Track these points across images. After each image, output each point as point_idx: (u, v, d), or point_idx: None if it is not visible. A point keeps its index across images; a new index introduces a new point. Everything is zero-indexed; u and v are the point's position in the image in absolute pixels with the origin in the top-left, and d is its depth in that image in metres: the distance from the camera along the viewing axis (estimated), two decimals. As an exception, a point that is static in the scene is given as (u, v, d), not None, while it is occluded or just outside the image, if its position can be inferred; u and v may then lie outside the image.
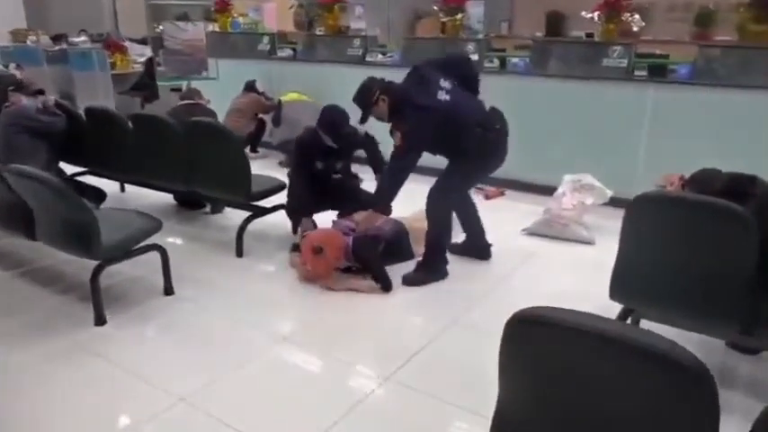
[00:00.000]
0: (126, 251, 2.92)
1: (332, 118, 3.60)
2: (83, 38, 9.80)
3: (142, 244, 2.99)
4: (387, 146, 3.44)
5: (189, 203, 4.55)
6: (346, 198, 3.73)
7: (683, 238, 1.99)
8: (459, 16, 5.43)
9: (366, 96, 3.24)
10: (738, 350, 2.57)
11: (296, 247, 3.60)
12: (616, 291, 2.25)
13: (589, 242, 4.03)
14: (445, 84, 3.19)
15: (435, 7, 5.75)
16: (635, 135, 4.63)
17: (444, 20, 5.50)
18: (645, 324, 2.43)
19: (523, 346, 1.14)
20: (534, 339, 1.12)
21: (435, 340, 2.77)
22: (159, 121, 3.81)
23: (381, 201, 3.30)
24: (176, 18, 11.20)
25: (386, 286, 3.22)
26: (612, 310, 2.93)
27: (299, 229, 3.67)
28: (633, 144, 4.65)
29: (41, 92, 4.17)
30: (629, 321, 2.35)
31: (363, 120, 3.34)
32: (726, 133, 4.24)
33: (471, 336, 2.85)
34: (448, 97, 3.16)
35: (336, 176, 3.77)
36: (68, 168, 4.43)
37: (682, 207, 1.99)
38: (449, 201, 3.32)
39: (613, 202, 4.23)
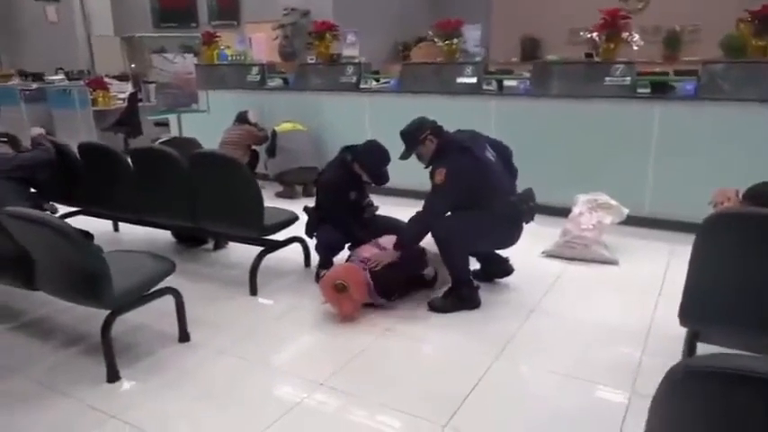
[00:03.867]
0: (139, 297, 2.68)
1: (377, 157, 3.56)
2: (60, 76, 9.55)
3: (155, 288, 2.76)
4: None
5: (188, 239, 4.32)
6: (380, 226, 3.61)
7: None
8: (456, 41, 5.38)
9: (416, 134, 3.27)
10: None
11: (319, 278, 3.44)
12: (689, 315, 2.12)
13: (612, 262, 3.92)
14: (491, 151, 3.28)
15: (430, 32, 5.70)
16: (643, 152, 4.58)
17: (440, 44, 5.44)
18: (704, 348, 2.31)
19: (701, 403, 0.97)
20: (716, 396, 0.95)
21: (485, 379, 2.58)
22: (162, 155, 3.60)
23: (409, 237, 3.23)
24: (153, 53, 11.13)
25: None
26: (662, 331, 2.85)
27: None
28: (641, 161, 4.60)
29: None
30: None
31: (406, 156, 3.32)
32: (733, 147, 4.22)
33: (521, 372, 2.69)
34: (492, 159, 3.24)
35: (367, 203, 3.71)
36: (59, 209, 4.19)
37: (766, 224, 1.87)
38: (459, 244, 3.17)
39: (627, 221, 4.16)
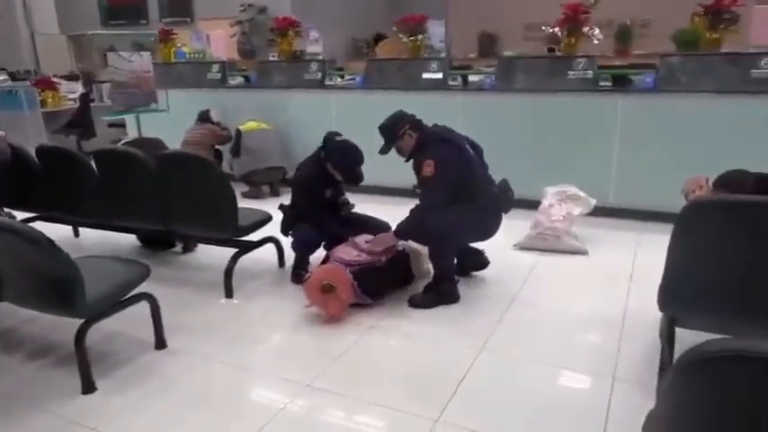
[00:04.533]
0: (113, 305, 2.58)
1: (349, 158, 3.49)
2: (3, 77, 9.09)
3: (130, 294, 2.66)
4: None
5: (155, 243, 4.18)
6: (356, 224, 3.57)
7: (746, 242, 1.95)
8: (420, 37, 5.39)
9: (395, 129, 3.27)
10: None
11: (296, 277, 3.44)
12: (667, 300, 2.19)
13: (583, 252, 4.01)
14: (469, 146, 3.31)
15: (394, 28, 5.69)
16: (607, 144, 4.71)
17: (405, 40, 5.44)
18: (682, 333, 2.39)
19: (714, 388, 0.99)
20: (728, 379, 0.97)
21: (470, 373, 2.59)
22: (128, 157, 3.46)
23: (405, 233, 3.23)
24: (102, 52, 10.72)
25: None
26: (636, 317, 2.94)
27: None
28: (606, 153, 4.72)
29: None
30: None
31: (385, 150, 3.31)
32: (692, 137, 4.39)
33: (505, 364, 2.71)
34: (472, 152, 3.28)
35: (343, 201, 3.67)
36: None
37: (742, 211, 1.95)
38: (453, 239, 3.21)
39: (594, 211, 4.27)
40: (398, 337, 2.98)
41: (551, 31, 5.03)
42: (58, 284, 2.38)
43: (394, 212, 3.40)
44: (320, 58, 5.91)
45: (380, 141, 3.35)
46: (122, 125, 6.73)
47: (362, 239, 3.31)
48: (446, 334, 2.98)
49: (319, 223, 3.48)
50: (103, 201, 3.57)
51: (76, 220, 4.08)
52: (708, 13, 4.42)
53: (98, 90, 8.64)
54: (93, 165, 3.67)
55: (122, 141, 4.02)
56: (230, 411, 2.38)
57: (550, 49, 5.18)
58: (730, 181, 2.35)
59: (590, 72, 4.75)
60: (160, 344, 2.84)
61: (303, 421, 2.32)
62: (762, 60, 4.18)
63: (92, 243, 4.35)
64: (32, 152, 3.99)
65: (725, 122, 4.29)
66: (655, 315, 2.54)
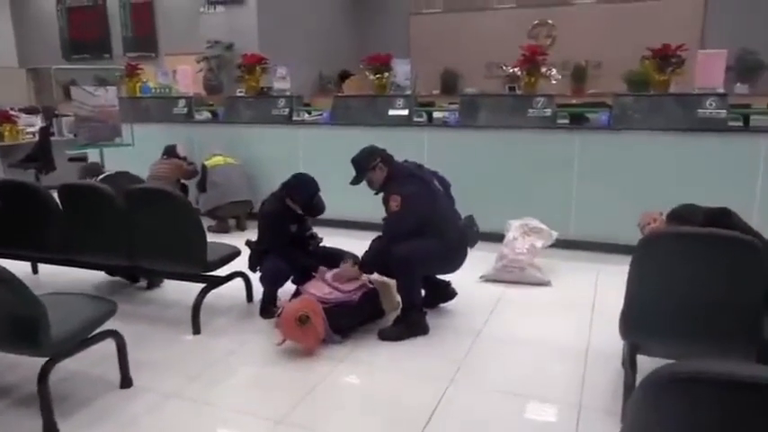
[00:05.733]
0: (79, 342, 2.52)
1: (306, 189, 3.54)
2: (-43, 109, 8.86)
3: (95, 332, 2.60)
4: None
5: (125, 275, 4.10)
6: (325, 257, 3.59)
7: (698, 272, 2.07)
8: (386, 74, 5.55)
9: (366, 161, 3.36)
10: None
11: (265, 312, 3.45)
12: (628, 328, 2.28)
13: (545, 284, 4.12)
14: (436, 182, 3.44)
15: (361, 66, 5.85)
16: (566, 178, 4.89)
17: (371, 77, 5.59)
18: (644, 360, 2.48)
19: (673, 408, 1.06)
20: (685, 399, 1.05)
21: (441, 405, 2.62)
22: (95, 192, 3.41)
23: (370, 264, 3.32)
24: (63, 86, 10.59)
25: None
26: (600, 347, 3.03)
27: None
28: (565, 187, 4.90)
29: None
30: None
31: (356, 182, 3.38)
32: (645, 172, 4.62)
33: (473, 395, 2.74)
34: (441, 189, 3.40)
35: (310, 235, 3.69)
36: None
37: (694, 241, 2.07)
38: (419, 269, 3.27)
39: (555, 243, 4.41)
40: (369, 369, 2.99)
41: (512, 71, 5.26)
42: (21, 322, 2.32)
43: (363, 245, 3.45)
44: (288, 94, 6.00)
45: (348, 176, 3.42)
46: (84, 159, 6.61)
47: (330, 275, 3.33)
48: (416, 366, 3.00)
49: (287, 257, 3.49)
50: (67, 236, 3.51)
51: (37, 255, 3.97)
52: (656, 56, 4.72)
53: (58, 124, 8.51)
54: (57, 199, 3.61)
55: (101, 176, 3.95)
56: (200, 450, 2.34)
57: (511, 88, 5.40)
58: (682, 215, 2.49)
59: (548, 110, 4.97)
60: (126, 382, 2.77)
61: (275, 458, 2.30)
62: (707, 101, 4.47)
63: (51, 279, 4.23)
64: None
65: (675, 158, 4.54)
66: (617, 343, 2.63)
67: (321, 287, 3.24)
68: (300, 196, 3.52)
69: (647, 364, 2.42)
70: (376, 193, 3.38)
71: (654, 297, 2.22)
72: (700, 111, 4.49)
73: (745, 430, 1.03)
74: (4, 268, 2.27)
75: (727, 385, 1.02)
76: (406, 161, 3.49)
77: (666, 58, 4.66)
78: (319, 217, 3.72)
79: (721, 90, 4.53)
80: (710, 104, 4.47)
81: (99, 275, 4.16)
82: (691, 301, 2.11)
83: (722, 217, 2.42)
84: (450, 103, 6.75)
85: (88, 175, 4.08)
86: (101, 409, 2.63)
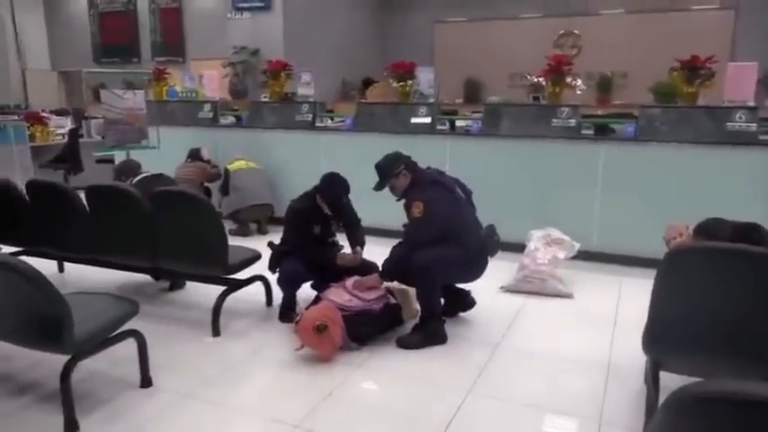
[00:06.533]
0: (101, 342, 2.55)
1: (335, 188, 3.56)
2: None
3: (117, 331, 2.64)
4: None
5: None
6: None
7: (726, 288, 2.02)
8: (410, 82, 5.56)
9: (390, 167, 3.36)
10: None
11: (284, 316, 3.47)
12: (651, 344, 2.24)
13: (567, 296, 4.07)
14: (459, 189, 3.42)
15: (385, 73, 5.86)
16: (590, 190, 4.83)
17: (395, 85, 5.60)
18: (667, 377, 2.43)
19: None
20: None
21: (458, 416, 2.60)
22: (121, 194, 3.47)
23: (390, 272, 3.32)
24: (93, 89, 10.82)
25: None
26: (621, 360, 2.97)
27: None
28: (588, 198, 4.84)
29: None
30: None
31: (379, 188, 3.39)
32: (670, 184, 4.54)
33: (493, 407, 2.71)
34: (463, 196, 3.39)
35: (332, 242, 3.68)
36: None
37: (722, 257, 2.03)
38: (439, 276, 3.24)
39: (577, 255, 4.35)
40: (386, 377, 2.98)
41: (536, 80, 5.22)
42: (46, 320, 2.36)
43: (384, 252, 3.44)
44: (311, 100, 6.04)
45: (369, 183, 3.42)
46: (111, 161, 6.73)
47: (351, 282, 3.33)
48: (434, 375, 2.98)
49: (306, 257, 3.50)
50: (92, 236, 3.57)
51: (63, 255, 4.05)
52: (684, 68, 4.64)
53: (87, 126, 8.69)
54: (84, 200, 3.68)
55: (139, 177, 4.02)
56: (216, 452, 2.35)
57: (535, 98, 5.36)
58: (709, 229, 2.44)
59: (573, 120, 4.92)
60: (146, 382, 2.81)
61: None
62: (736, 114, 4.38)
63: (76, 278, 4.31)
64: (22, 186, 3.99)
65: (702, 171, 4.45)
66: (639, 358, 2.58)
67: (341, 294, 3.24)
68: (330, 194, 3.53)
69: (670, 381, 2.38)
70: (398, 200, 3.38)
71: (679, 313, 2.17)
72: (729, 124, 4.41)
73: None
74: (31, 266, 2.32)
75: (754, 406, 0.99)
76: (428, 168, 3.48)
77: (695, 70, 4.59)
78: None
79: (752, 103, 4.44)
80: (740, 117, 4.38)
81: (123, 275, 4.21)
82: (717, 317, 2.06)
83: (751, 232, 2.37)
84: (474, 112, 6.73)
85: (123, 175, 4.14)
86: (121, 407, 2.66)
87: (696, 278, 2.08)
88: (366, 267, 3.58)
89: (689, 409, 1.07)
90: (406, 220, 3.35)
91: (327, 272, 3.51)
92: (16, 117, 8.03)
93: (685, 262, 2.10)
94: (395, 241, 3.49)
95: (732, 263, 2.01)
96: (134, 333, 2.74)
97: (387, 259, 3.32)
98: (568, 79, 5.09)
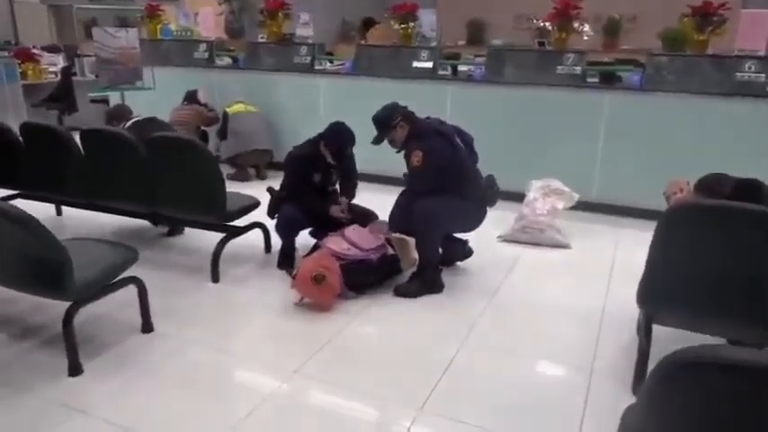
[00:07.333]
0: (102, 288, 2.58)
1: (340, 137, 3.51)
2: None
3: (118, 278, 2.66)
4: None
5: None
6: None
7: (724, 247, 2.02)
8: (412, 24, 5.38)
9: (387, 119, 3.31)
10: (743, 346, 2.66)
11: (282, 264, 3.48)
12: (646, 298, 2.27)
13: (565, 246, 4.09)
14: (458, 138, 3.34)
15: (386, 15, 5.67)
16: (592, 140, 4.78)
17: (396, 27, 5.43)
18: (659, 332, 2.47)
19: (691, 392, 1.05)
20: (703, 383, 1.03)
21: (454, 363, 2.66)
22: (116, 138, 3.42)
23: (397, 222, 3.35)
24: (84, 24, 10.46)
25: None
26: (615, 311, 3.03)
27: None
28: (591, 149, 4.80)
29: None
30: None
31: (378, 141, 3.34)
32: (674, 136, 4.48)
33: (488, 355, 2.77)
34: (462, 145, 3.32)
35: (332, 190, 3.66)
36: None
37: (721, 215, 2.02)
38: (439, 226, 3.25)
39: (576, 205, 4.34)
40: (384, 324, 3.03)
41: (542, 25, 5.06)
42: (46, 266, 2.37)
43: (383, 198, 3.44)
44: (310, 41, 5.87)
45: (368, 127, 3.37)
46: (106, 101, 6.61)
47: (352, 233, 3.33)
48: (430, 323, 3.04)
49: (304, 204, 3.49)
50: (88, 181, 3.54)
51: (60, 198, 4.03)
52: (696, 14, 4.50)
53: (80, 64, 8.47)
54: (79, 143, 3.63)
55: (132, 121, 3.92)
56: (217, 396, 2.41)
57: (540, 43, 5.21)
58: (710, 184, 2.41)
59: (578, 68, 4.81)
60: (147, 327, 2.85)
61: (289, 408, 2.36)
62: (746, 64, 4.28)
63: (74, 222, 4.32)
64: (15, 128, 3.92)
65: (708, 123, 4.39)
66: (633, 309, 2.62)
67: (340, 242, 3.25)
68: (335, 143, 3.49)
69: (661, 333, 2.43)
70: (398, 152, 3.34)
71: (675, 269, 2.19)
72: (738, 74, 4.32)
73: (763, 419, 1.02)
74: (24, 212, 2.30)
75: (743, 372, 1.01)
76: (428, 118, 3.42)
77: (707, 17, 4.44)
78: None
79: (762, 53, 4.32)
80: (750, 68, 4.29)
81: (121, 218, 4.21)
82: (713, 276, 2.07)
83: (753, 189, 2.34)
84: (476, 55, 6.54)
85: (114, 120, 4.06)
86: (123, 352, 2.71)
87: (694, 236, 2.08)
88: (363, 215, 3.58)
89: (677, 375, 1.09)
90: (406, 170, 3.33)
91: (326, 220, 3.50)
92: (6, 54, 7.81)
93: (684, 220, 2.09)
94: (392, 188, 3.48)
95: (731, 221, 2.00)
96: (134, 280, 2.75)
97: (393, 209, 3.30)
98: (575, 24, 4.93)
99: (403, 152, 3.30)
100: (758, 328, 2.07)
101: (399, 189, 3.55)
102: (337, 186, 3.73)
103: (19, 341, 2.80)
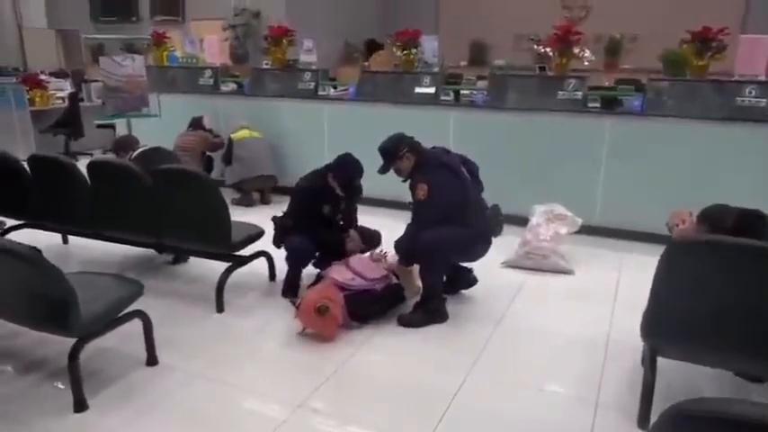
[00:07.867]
0: (107, 323, 2.59)
1: (349, 169, 3.54)
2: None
3: (123, 312, 2.67)
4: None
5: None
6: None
7: (729, 283, 2.03)
8: (414, 51, 5.45)
9: (393, 150, 3.34)
10: (747, 379, 2.65)
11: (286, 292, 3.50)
12: (650, 332, 2.27)
13: (569, 272, 4.09)
14: (464, 167, 3.39)
15: (389, 41, 5.74)
16: (594, 164, 4.79)
17: (399, 54, 5.50)
18: (663, 361, 2.46)
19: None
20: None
21: (459, 394, 2.65)
22: (122, 170, 3.46)
23: (406, 254, 3.31)
24: (92, 49, 10.62)
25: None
26: (620, 339, 3.00)
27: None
28: (592, 173, 4.81)
29: None
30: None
31: (384, 170, 3.37)
32: (676, 161, 4.50)
33: (491, 386, 2.76)
34: (467, 174, 3.36)
35: (340, 221, 3.68)
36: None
37: (723, 252, 2.03)
38: (443, 256, 3.27)
39: (578, 230, 4.35)
40: (388, 355, 3.03)
41: (543, 50, 5.11)
42: (52, 304, 2.39)
43: (387, 223, 3.45)
44: (314, 67, 5.94)
45: (373, 153, 3.40)
46: (112, 127, 6.69)
47: (356, 262, 3.35)
48: (435, 354, 3.03)
49: (312, 233, 3.51)
50: (95, 212, 3.58)
51: (66, 228, 4.07)
52: (695, 40, 4.53)
53: (87, 89, 8.59)
54: (86, 175, 3.67)
55: (138, 150, 3.96)
56: (225, 429, 2.41)
57: (541, 68, 5.25)
58: (713, 216, 2.42)
59: (579, 93, 4.85)
60: (152, 360, 2.86)
61: (295, 443, 2.36)
62: (746, 89, 4.31)
63: (80, 250, 4.35)
64: (24, 155, 3.97)
65: (709, 148, 4.40)
66: (636, 337, 2.60)
67: (344, 272, 3.27)
68: (343, 175, 3.52)
69: (666, 364, 2.43)
70: (404, 181, 3.37)
71: (679, 304, 2.19)
72: (738, 99, 4.34)
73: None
74: (36, 252, 2.33)
75: (747, 427, 1.01)
76: (434, 148, 3.45)
77: (706, 42, 4.48)
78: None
79: (763, 78, 4.35)
80: (750, 92, 4.31)
81: (126, 247, 4.24)
82: (717, 311, 2.08)
83: (756, 221, 2.35)
84: (479, 77, 6.63)
85: (121, 150, 4.11)
86: (127, 386, 2.72)
87: (697, 271, 2.09)
88: (370, 237, 3.61)
89: (685, 427, 1.09)
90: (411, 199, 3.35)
91: (335, 252, 3.51)
92: (15, 80, 7.92)
93: (689, 254, 2.10)
94: (398, 212, 3.48)
95: (736, 258, 2.01)
96: (139, 314, 2.77)
97: (400, 238, 3.32)
98: (576, 50, 4.97)
99: (408, 182, 3.33)
100: (761, 361, 2.06)
101: (404, 213, 3.53)
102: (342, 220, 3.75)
103: (23, 375, 2.81)
